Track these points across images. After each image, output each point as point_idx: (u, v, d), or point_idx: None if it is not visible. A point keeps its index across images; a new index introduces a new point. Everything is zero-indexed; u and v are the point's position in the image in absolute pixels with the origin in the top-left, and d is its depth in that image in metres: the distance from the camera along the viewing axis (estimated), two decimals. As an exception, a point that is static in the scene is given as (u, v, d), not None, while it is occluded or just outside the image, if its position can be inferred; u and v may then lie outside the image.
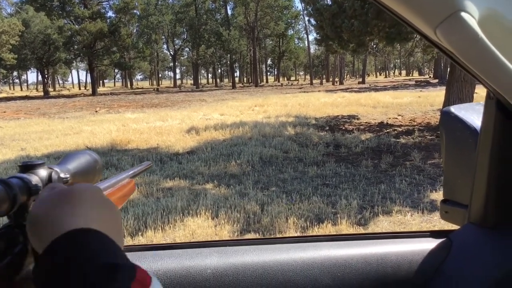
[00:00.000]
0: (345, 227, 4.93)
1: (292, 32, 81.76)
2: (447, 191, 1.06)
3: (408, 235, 1.04)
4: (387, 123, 13.35)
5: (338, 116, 15.84)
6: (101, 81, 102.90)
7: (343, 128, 12.62)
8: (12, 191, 0.52)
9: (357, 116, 15.67)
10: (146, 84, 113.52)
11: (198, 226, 5.09)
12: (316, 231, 4.88)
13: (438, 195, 6.01)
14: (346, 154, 8.96)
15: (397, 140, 10.21)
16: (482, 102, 1.03)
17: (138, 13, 59.90)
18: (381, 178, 7.02)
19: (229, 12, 66.83)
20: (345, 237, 1.01)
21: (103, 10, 55.62)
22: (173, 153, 9.66)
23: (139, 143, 11.03)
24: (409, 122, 13.24)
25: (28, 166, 0.59)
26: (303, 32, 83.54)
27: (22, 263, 0.51)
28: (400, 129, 11.87)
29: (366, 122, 13.74)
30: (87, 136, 12.55)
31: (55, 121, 18.04)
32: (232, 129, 12.40)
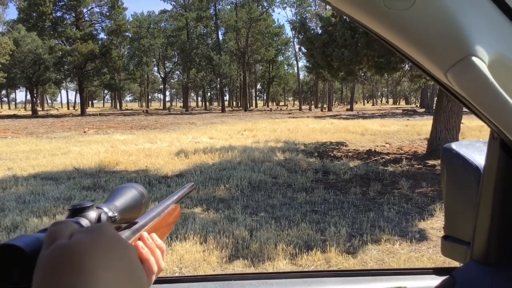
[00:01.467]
0: (334, 255, 4.91)
1: (282, 58, 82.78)
2: (448, 227, 1.07)
3: (411, 271, 1.04)
4: (375, 150, 13.46)
5: (326, 142, 15.94)
6: (90, 102, 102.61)
7: (332, 154, 12.69)
8: None
9: (345, 143, 15.79)
10: (135, 105, 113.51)
11: (186, 251, 5.04)
12: (305, 258, 4.86)
13: (426, 224, 6.05)
14: (335, 181, 8.99)
15: (385, 168, 10.28)
16: (482, 139, 1.06)
17: (130, 36, 60.33)
18: (370, 206, 7.04)
19: (220, 37, 67.59)
20: (349, 273, 1.02)
21: (95, 32, 55.97)
22: (161, 175, 9.61)
23: (128, 165, 10.96)
24: (397, 150, 13.36)
25: (78, 209, 0.59)
26: (293, 58, 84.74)
27: None
28: (388, 157, 11.96)
29: (354, 149, 13.84)
30: (75, 156, 12.45)
31: (43, 140, 17.88)
32: (221, 153, 12.40)
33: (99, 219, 0.60)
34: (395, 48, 0.64)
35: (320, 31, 12.93)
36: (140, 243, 0.73)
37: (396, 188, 8.21)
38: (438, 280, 0.98)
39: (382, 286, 0.96)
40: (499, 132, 0.79)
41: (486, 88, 0.58)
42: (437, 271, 1.02)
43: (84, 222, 0.58)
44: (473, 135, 16.11)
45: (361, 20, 0.59)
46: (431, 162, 10.74)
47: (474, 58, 0.57)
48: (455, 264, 1.04)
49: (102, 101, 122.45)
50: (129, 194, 0.71)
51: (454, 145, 1.03)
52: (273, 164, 10.79)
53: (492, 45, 0.58)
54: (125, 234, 0.69)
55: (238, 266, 4.74)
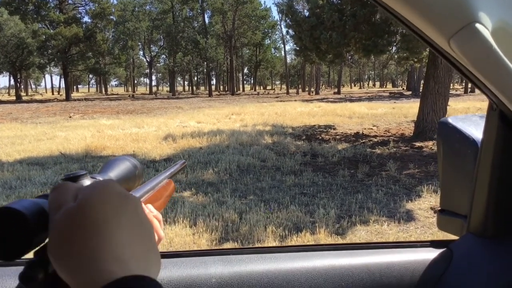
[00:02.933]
0: (323, 236, 4.95)
1: (269, 41, 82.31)
2: (444, 201, 1.07)
3: (409, 244, 1.05)
4: (362, 133, 13.53)
5: (314, 125, 15.97)
6: (75, 86, 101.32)
7: (320, 137, 12.73)
8: None
9: (333, 126, 15.84)
10: (121, 90, 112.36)
11: (176, 234, 5.04)
12: (295, 240, 4.89)
13: (413, 205, 6.12)
14: (323, 164, 9.02)
15: (373, 150, 10.35)
16: (479, 113, 1.05)
17: (114, 19, 59.41)
18: (358, 188, 7.09)
19: (207, 20, 66.91)
20: (348, 246, 1.02)
21: (79, 15, 55.02)
22: (149, 160, 9.56)
23: (115, 149, 10.88)
24: (384, 133, 13.44)
25: (71, 178, 0.57)
26: (280, 42, 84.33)
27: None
28: (375, 140, 12.03)
29: (342, 132, 13.89)
30: (60, 142, 12.31)
31: (28, 126, 17.64)
32: (209, 137, 12.36)
33: None
34: (396, 16, 0.63)
35: (307, 14, 12.85)
36: None
37: (383, 170, 8.27)
38: (435, 252, 0.98)
39: (381, 259, 0.96)
40: (498, 103, 0.79)
41: (489, 56, 0.57)
42: (434, 244, 1.03)
43: None
44: (459, 117, 16.23)
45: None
46: (418, 144, 10.84)
47: (477, 25, 0.55)
48: (454, 237, 1.04)
49: (87, 86, 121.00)
50: (123, 166, 0.70)
51: (450, 119, 1.02)
52: (261, 147, 10.79)
53: (496, 12, 0.57)
54: None
55: (228, 249, 4.75)
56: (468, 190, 0.96)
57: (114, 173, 0.67)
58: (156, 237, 0.73)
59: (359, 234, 5.11)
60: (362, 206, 6.09)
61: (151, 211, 0.75)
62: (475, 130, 0.98)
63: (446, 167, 1.05)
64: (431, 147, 10.43)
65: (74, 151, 10.63)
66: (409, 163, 8.72)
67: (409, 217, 5.63)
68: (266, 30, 76.85)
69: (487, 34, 0.55)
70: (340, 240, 4.89)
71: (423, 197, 6.48)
